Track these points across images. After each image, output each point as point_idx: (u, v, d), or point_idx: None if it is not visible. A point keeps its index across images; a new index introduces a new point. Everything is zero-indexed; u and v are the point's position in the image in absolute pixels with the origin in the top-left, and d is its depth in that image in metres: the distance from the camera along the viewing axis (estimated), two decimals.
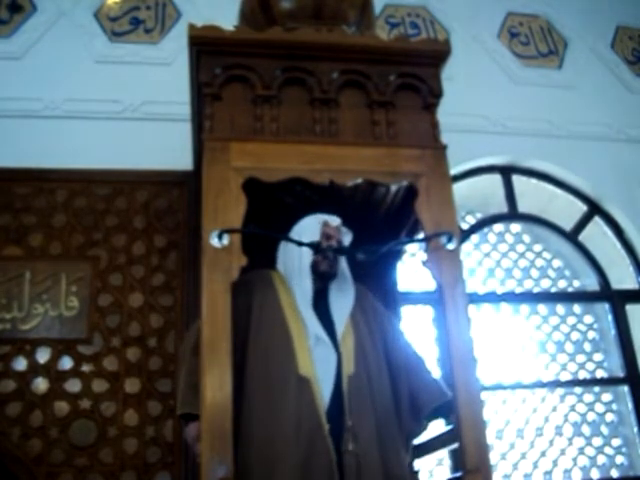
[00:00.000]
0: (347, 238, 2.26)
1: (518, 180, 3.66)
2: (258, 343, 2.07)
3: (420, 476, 2.49)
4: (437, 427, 2.26)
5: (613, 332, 3.52)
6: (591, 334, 3.69)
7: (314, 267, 2.15)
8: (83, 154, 3.10)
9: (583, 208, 3.67)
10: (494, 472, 3.18)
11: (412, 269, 3.47)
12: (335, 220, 2.22)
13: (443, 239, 2.05)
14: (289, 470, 1.87)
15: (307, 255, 2.15)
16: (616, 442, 3.48)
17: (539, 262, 3.79)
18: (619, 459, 3.45)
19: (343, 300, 2.18)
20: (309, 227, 2.20)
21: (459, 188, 3.32)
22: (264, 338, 2.07)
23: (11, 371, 2.71)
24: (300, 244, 2.12)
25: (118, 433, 2.67)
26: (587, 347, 3.66)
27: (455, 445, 2.02)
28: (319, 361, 2.03)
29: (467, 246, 3.66)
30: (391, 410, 2.10)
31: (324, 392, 1.99)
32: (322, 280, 2.19)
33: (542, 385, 3.49)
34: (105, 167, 3.07)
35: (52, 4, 3.45)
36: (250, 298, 2.15)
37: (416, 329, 3.29)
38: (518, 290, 3.69)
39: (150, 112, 3.26)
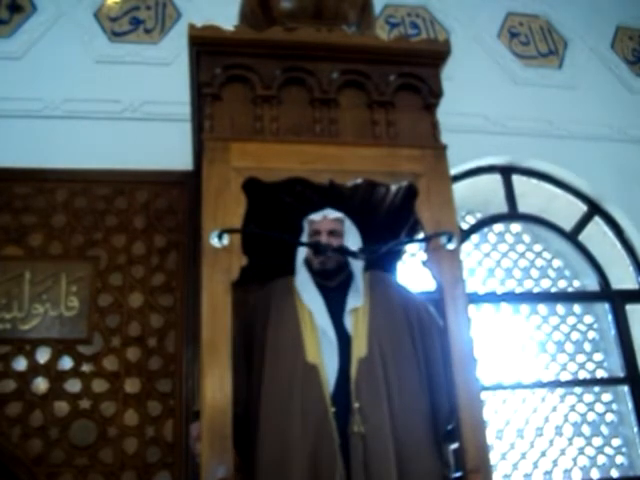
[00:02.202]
0: (351, 231, 2.23)
1: (518, 180, 3.66)
2: (274, 341, 2.09)
3: None
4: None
5: (613, 332, 3.52)
6: (591, 334, 3.69)
7: (309, 265, 2.17)
8: (83, 154, 3.10)
9: (583, 208, 3.67)
10: (494, 472, 3.17)
11: (412, 269, 3.47)
12: (320, 214, 2.22)
13: (443, 239, 2.05)
14: (298, 462, 1.87)
15: (302, 253, 2.20)
16: (616, 442, 3.48)
17: (539, 262, 3.79)
18: (619, 459, 3.45)
19: (354, 297, 2.16)
20: (304, 231, 2.26)
21: (459, 188, 3.32)
22: (280, 335, 2.09)
23: (11, 371, 2.71)
24: (299, 244, 2.18)
25: (118, 433, 2.67)
26: (587, 347, 3.65)
27: (455, 445, 2.02)
28: (327, 347, 2.03)
29: (467, 246, 3.66)
30: (414, 396, 2.04)
31: (331, 377, 1.99)
32: (324, 278, 2.18)
33: (542, 385, 3.49)
34: (105, 167, 3.07)
35: (52, 4, 3.45)
36: (269, 302, 2.18)
37: None
38: (518, 290, 3.69)
39: (150, 112, 3.26)
